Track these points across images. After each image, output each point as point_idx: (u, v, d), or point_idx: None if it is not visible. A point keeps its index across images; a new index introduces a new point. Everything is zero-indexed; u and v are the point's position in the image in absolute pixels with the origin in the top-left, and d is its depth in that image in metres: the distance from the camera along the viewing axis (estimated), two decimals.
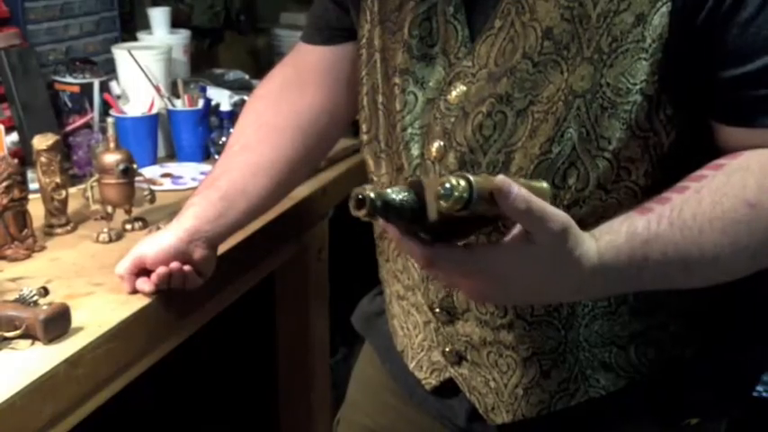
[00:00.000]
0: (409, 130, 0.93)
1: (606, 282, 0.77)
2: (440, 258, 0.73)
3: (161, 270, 1.04)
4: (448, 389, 1.01)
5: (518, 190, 0.69)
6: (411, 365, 1.03)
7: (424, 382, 1.02)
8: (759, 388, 1.85)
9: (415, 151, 0.93)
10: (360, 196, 0.68)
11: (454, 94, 0.89)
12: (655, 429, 0.97)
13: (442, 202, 0.68)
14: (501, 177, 0.69)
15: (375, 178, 1.02)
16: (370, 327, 1.15)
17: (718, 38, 0.79)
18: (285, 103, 1.11)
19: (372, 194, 0.68)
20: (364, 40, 0.99)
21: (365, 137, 1.02)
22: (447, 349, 0.98)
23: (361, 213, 0.68)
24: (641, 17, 0.79)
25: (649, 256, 0.76)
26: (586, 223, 0.85)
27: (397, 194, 0.69)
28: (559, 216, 0.72)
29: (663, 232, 0.77)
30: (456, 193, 0.67)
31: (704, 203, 0.78)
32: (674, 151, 0.85)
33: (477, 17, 0.88)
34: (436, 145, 0.90)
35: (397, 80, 0.94)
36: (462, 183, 0.67)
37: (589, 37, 0.81)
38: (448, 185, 0.67)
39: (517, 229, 0.74)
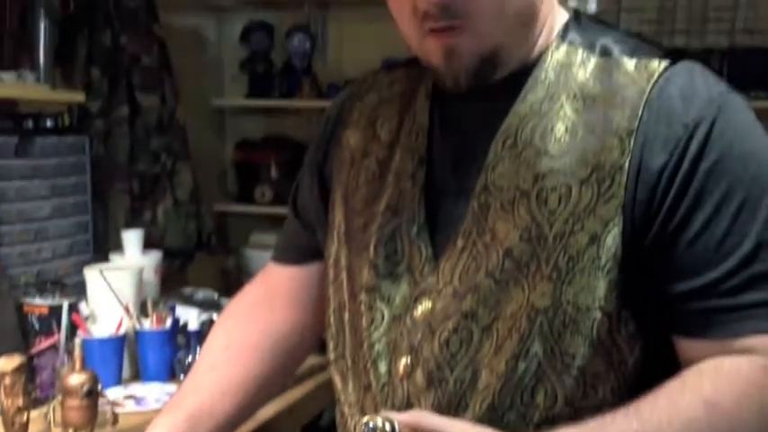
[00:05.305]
0: (376, 347, 0.94)
1: None
2: None
3: None
4: None
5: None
6: None
7: None
8: None
9: (383, 368, 0.93)
10: None
11: (420, 310, 0.91)
12: None
13: None
14: (417, 413, 0.75)
15: (342, 397, 1.01)
16: None
17: (668, 256, 0.83)
18: (254, 323, 1.13)
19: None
20: (331, 260, 1.03)
21: (332, 355, 1.03)
22: None
23: None
24: (595, 237, 0.83)
25: None
26: None
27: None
28: None
29: (619, 421, 0.78)
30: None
31: (660, 402, 0.78)
32: (639, 368, 0.86)
33: (440, 237, 0.92)
34: (403, 361, 0.91)
35: (363, 297, 0.96)
36: (386, 425, 0.76)
37: (547, 256, 0.85)
38: (371, 424, 0.76)
39: None
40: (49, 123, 2.00)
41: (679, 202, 0.82)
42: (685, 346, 0.85)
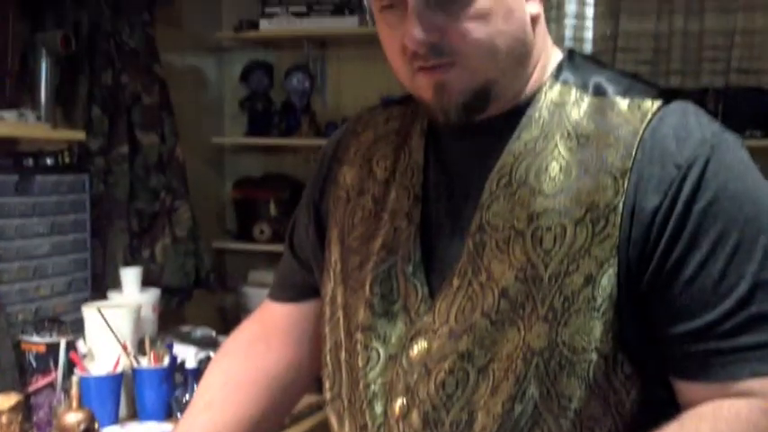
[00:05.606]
0: (372, 387, 0.94)
1: None
2: None
3: None
4: None
5: None
6: None
7: None
8: None
9: (379, 409, 0.93)
10: None
11: (416, 349, 0.91)
12: None
13: None
14: None
15: None
16: None
17: (664, 297, 0.83)
18: (252, 360, 1.12)
19: None
20: (328, 298, 1.02)
21: (328, 394, 1.02)
22: None
23: None
24: (590, 278, 0.83)
25: None
26: None
27: None
28: None
29: None
30: None
31: None
32: (636, 411, 0.86)
33: (436, 276, 0.92)
34: (399, 402, 0.91)
35: (359, 336, 0.95)
36: None
37: (542, 297, 0.84)
38: None
39: None
40: (49, 161, 2.02)
41: (674, 244, 0.82)
42: (684, 388, 0.85)
